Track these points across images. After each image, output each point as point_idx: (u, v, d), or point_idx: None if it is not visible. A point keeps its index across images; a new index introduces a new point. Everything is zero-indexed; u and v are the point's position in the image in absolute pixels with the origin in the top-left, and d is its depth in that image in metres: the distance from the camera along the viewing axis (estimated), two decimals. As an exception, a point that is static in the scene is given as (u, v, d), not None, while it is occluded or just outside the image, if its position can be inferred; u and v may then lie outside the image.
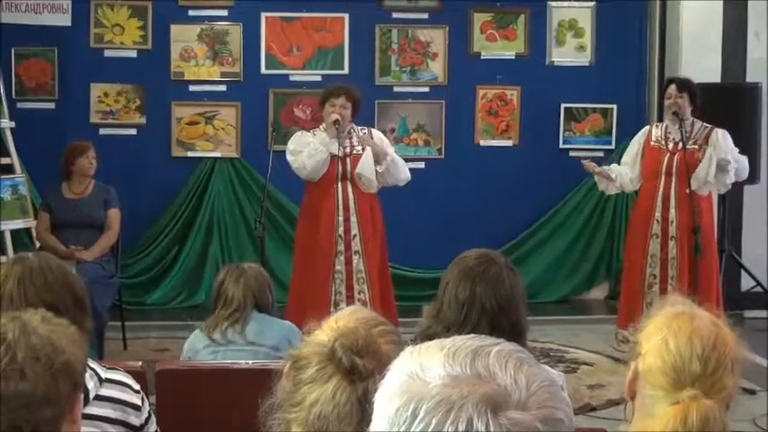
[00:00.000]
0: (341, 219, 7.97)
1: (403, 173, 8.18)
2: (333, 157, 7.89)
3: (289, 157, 7.99)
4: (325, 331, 2.45)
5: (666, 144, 8.31)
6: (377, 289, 8.05)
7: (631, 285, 8.46)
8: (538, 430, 1.40)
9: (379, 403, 1.48)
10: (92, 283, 6.79)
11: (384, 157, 8.04)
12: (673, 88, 8.33)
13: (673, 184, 8.20)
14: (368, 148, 7.97)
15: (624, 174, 8.49)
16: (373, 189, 8.06)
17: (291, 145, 8.02)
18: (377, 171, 8.01)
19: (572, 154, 10.68)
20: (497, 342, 1.51)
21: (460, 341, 1.50)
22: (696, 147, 8.22)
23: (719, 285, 8.42)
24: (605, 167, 8.69)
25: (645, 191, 8.44)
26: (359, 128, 8.17)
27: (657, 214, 8.27)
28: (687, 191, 8.05)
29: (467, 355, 1.46)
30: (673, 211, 8.20)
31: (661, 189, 8.25)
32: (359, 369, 2.35)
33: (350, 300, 7.93)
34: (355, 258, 8.00)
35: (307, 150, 7.86)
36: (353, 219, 7.99)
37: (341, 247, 7.96)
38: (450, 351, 1.48)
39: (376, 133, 8.37)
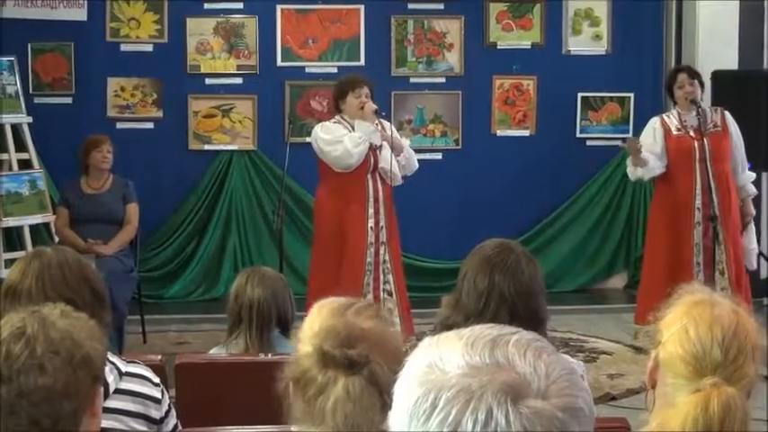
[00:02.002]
0: (371, 211, 7.94)
1: (415, 163, 8.21)
2: (370, 147, 7.86)
3: (325, 147, 7.82)
4: (307, 341, 2.45)
5: (688, 132, 8.28)
6: (400, 277, 8.07)
7: (659, 278, 8.26)
8: (558, 419, 1.40)
9: (399, 394, 1.48)
10: (111, 278, 6.78)
11: (401, 150, 8.04)
12: (684, 76, 8.32)
13: (708, 170, 8.14)
14: (385, 143, 7.95)
15: (654, 159, 8.33)
16: (398, 182, 8.06)
17: (326, 135, 7.85)
18: (399, 163, 8.01)
19: (589, 143, 10.67)
20: (516, 331, 1.51)
21: (479, 331, 1.50)
22: (718, 129, 8.21)
23: (746, 273, 8.39)
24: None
25: (677, 181, 8.28)
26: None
27: (698, 202, 8.20)
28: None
29: (485, 345, 1.46)
30: (713, 196, 8.14)
31: (698, 177, 8.18)
32: (355, 359, 2.37)
33: (376, 291, 7.93)
34: (382, 249, 7.99)
35: (349, 139, 7.74)
36: (382, 210, 7.97)
37: (371, 239, 7.94)
38: (468, 341, 1.48)
39: (389, 125, 8.33)
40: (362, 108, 7.83)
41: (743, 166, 8.37)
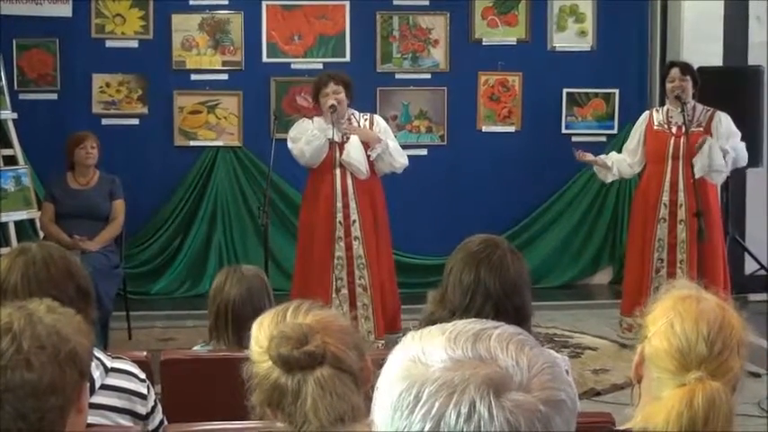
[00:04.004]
0: (340, 204, 7.97)
1: (398, 160, 8.13)
2: (331, 142, 7.89)
3: (289, 144, 8.02)
4: (263, 357, 2.46)
5: (669, 127, 8.31)
6: (377, 274, 8.07)
7: (635, 271, 8.47)
8: (540, 411, 1.40)
9: (382, 388, 1.49)
10: (96, 273, 6.81)
11: (376, 144, 8.01)
12: (676, 71, 8.30)
13: (680, 168, 8.18)
14: (353, 136, 7.96)
15: (621, 160, 8.52)
16: (362, 176, 8.01)
17: (293, 132, 8.07)
18: (369, 157, 7.99)
19: (574, 139, 10.67)
20: (498, 325, 1.52)
21: (462, 325, 1.51)
22: (700, 129, 8.21)
23: (726, 269, 8.40)
24: (601, 156, 8.69)
25: (649, 175, 8.42)
26: (360, 114, 8.16)
27: (665, 198, 8.25)
28: (693, 179, 8.01)
29: (468, 339, 1.47)
30: (681, 195, 8.18)
31: (668, 173, 8.24)
32: (314, 352, 2.39)
33: (351, 285, 7.96)
34: (355, 244, 8.01)
35: (305, 137, 7.89)
36: (352, 205, 7.99)
37: (340, 233, 7.97)
38: (451, 335, 1.49)
39: (377, 119, 8.34)
40: None
41: (741, 157, 8.29)
